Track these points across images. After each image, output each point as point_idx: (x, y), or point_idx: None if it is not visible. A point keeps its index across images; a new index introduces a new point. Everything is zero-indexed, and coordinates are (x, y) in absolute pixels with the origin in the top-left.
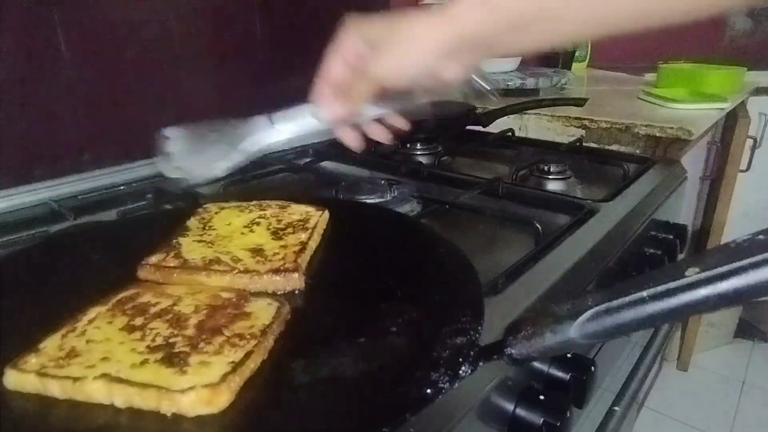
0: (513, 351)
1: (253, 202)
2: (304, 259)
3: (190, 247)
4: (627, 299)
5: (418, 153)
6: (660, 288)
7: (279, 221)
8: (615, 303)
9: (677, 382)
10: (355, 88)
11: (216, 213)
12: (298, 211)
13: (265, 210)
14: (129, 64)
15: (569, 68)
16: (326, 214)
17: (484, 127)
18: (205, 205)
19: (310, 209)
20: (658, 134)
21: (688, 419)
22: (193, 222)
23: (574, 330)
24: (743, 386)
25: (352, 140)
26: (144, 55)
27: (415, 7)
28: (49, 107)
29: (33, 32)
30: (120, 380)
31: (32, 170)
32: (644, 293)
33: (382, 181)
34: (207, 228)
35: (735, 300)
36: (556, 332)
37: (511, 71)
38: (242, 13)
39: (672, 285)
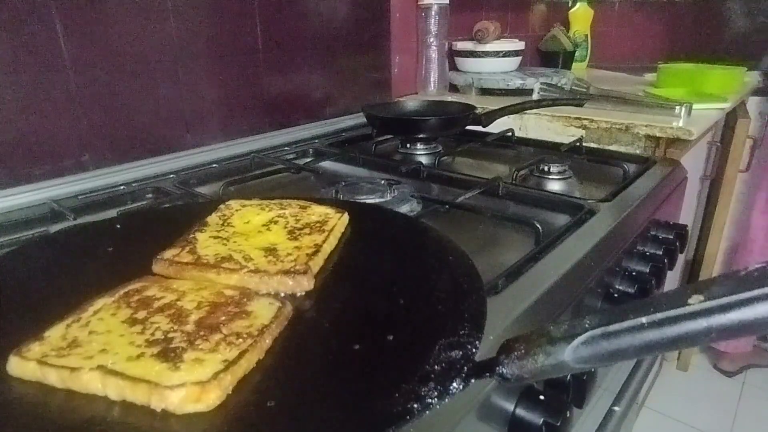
0: (504, 370)
1: (275, 201)
2: (317, 261)
3: (206, 243)
4: (625, 324)
5: (418, 153)
6: (660, 315)
7: (297, 221)
8: (612, 328)
9: (677, 382)
10: None
11: (237, 210)
12: (317, 212)
13: (285, 209)
14: (129, 64)
15: (569, 68)
16: (345, 216)
17: (484, 127)
18: (227, 202)
19: (330, 211)
20: (658, 134)
21: (688, 419)
22: (213, 218)
23: (568, 353)
24: (743, 386)
25: None
26: (144, 54)
27: (415, 9)
28: (49, 107)
29: (33, 32)
30: (114, 373)
31: (32, 170)
32: (643, 319)
33: (382, 181)
34: (225, 224)
35: (739, 333)
36: (549, 354)
37: (511, 71)
38: (242, 13)
39: (673, 313)
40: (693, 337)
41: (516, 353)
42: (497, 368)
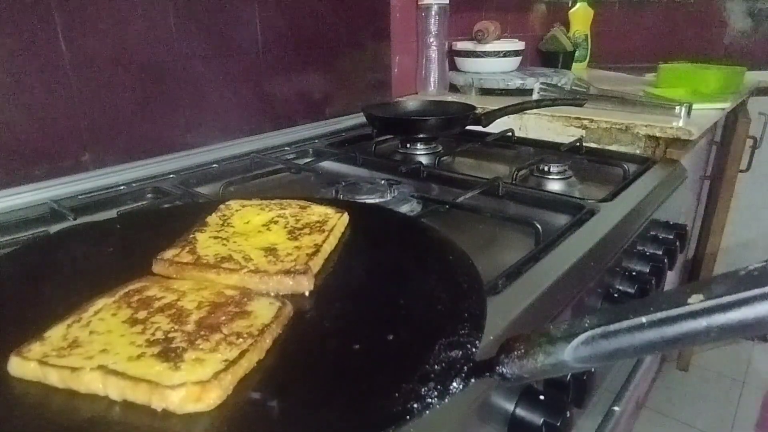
0: (504, 370)
1: (275, 201)
2: (317, 261)
3: (206, 243)
4: (624, 324)
5: (418, 153)
6: (660, 314)
7: (297, 221)
8: (612, 327)
9: (677, 382)
10: None
11: (237, 210)
12: (317, 212)
13: (285, 209)
14: (129, 64)
15: (569, 68)
16: (345, 217)
17: (484, 127)
18: (227, 202)
19: (330, 211)
20: (658, 134)
21: (688, 419)
22: (213, 218)
23: (568, 353)
24: (743, 386)
25: None
26: (144, 54)
27: (415, 9)
28: (49, 107)
29: (33, 32)
30: (115, 373)
31: (32, 170)
32: (643, 319)
33: (382, 181)
34: (225, 225)
35: (740, 332)
36: (549, 354)
37: (511, 71)
38: (242, 13)
39: (673, 312)
40: (693, 337)
41: (516, 353)
42: (497, 368)
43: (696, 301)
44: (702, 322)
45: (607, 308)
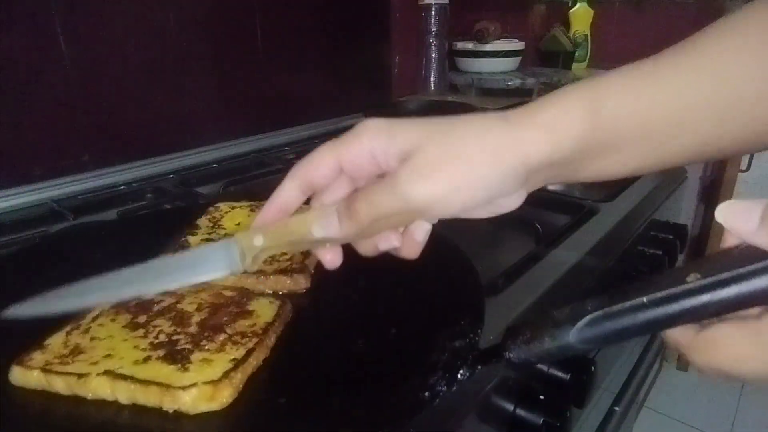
0: (511, 355)
1: (265, 201)
2: (313, 259)
3: (198, 245)
4: (626, 305)
5: None
6: (660, 294)
7: None
8: (614, 308)
9: (677, 382)
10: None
11: (226, 212)
12: None
13: None
14: (129, 64)
15: (569, 68)
16: None
17: None
18: (216, 204)
19: None
20: None
21: (688, 419)
22: (203, 220)
23: (573, 335)
24: (743, 386)
25: (330, 261)
26: (144, 55)
27: (415, 9)
28: (49, 107)
29: (33, 32)
30: (123, 377)
31: (32, 170)
32: (644, 299)
33: None
34: (216, 227)
35: (737, 307)
36: (554, 337)
37: (511, 71)
38: (242, 13)
39: (672, 291)
40: (693, 313)
41: (522, 337)
42: (504, 353)
43: (694, 280)
44: (701, 299)
45: (609, 291)
